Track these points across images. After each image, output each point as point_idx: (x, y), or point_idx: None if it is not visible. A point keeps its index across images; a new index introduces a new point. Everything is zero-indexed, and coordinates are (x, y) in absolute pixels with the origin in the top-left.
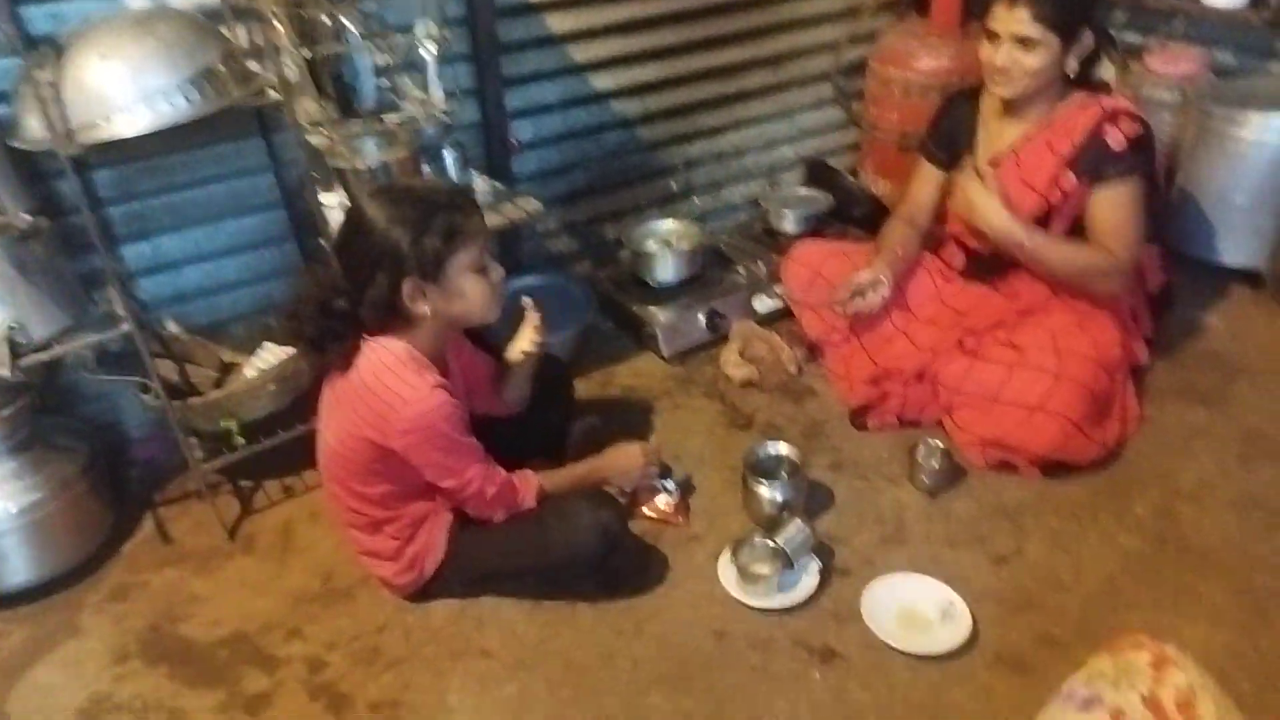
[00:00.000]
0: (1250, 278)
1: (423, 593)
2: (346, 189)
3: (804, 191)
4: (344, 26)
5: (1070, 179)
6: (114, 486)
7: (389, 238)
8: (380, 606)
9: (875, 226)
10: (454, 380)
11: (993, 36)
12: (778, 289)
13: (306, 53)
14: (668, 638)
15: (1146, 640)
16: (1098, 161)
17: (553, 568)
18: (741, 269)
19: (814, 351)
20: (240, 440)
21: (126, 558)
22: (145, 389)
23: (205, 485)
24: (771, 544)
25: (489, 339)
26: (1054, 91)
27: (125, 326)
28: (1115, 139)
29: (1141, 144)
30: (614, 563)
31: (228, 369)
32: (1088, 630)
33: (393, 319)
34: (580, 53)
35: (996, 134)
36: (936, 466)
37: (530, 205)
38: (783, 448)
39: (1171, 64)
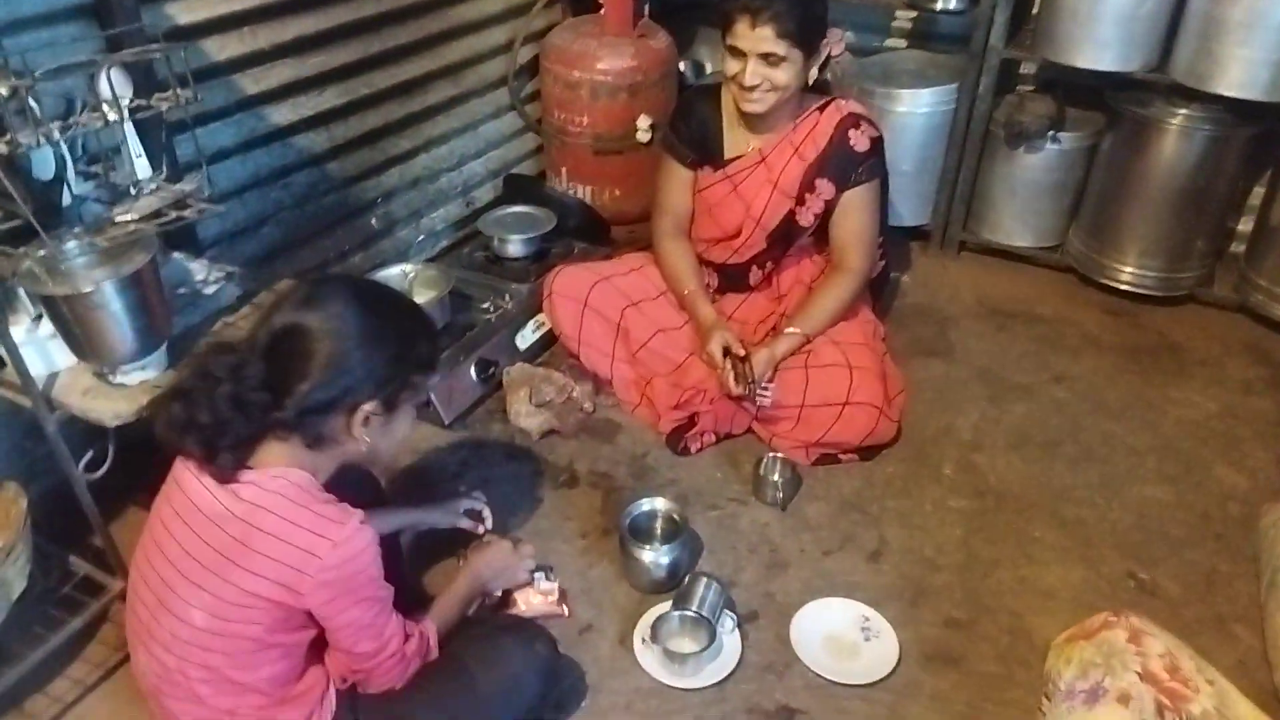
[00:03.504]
0: (919, 234)
1: None
2: (62, 320)
3: (520, 210)
4: (29, 105)
5: (829, 187)
6: None
7: (365, 354)
8: None
9: (593, 236)
10: None
11: (737, 54)
12: (534, 321)
13: None
14: None
15: (1112, 617)
16: (844, 165)
17: None
18: (487, 305)
19: (599, 384)
20: None
21: None
22: None
23: None
24: (690, 614)
25: None
26: (796, 98)
27: None
28: (859, 143)
29: (879, 147)
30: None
31: None
32: (978, 602)
33: (305, 437)
34: (252, 82)
35: (743, 136)
36: (781, 478)
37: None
38: (657, 503)
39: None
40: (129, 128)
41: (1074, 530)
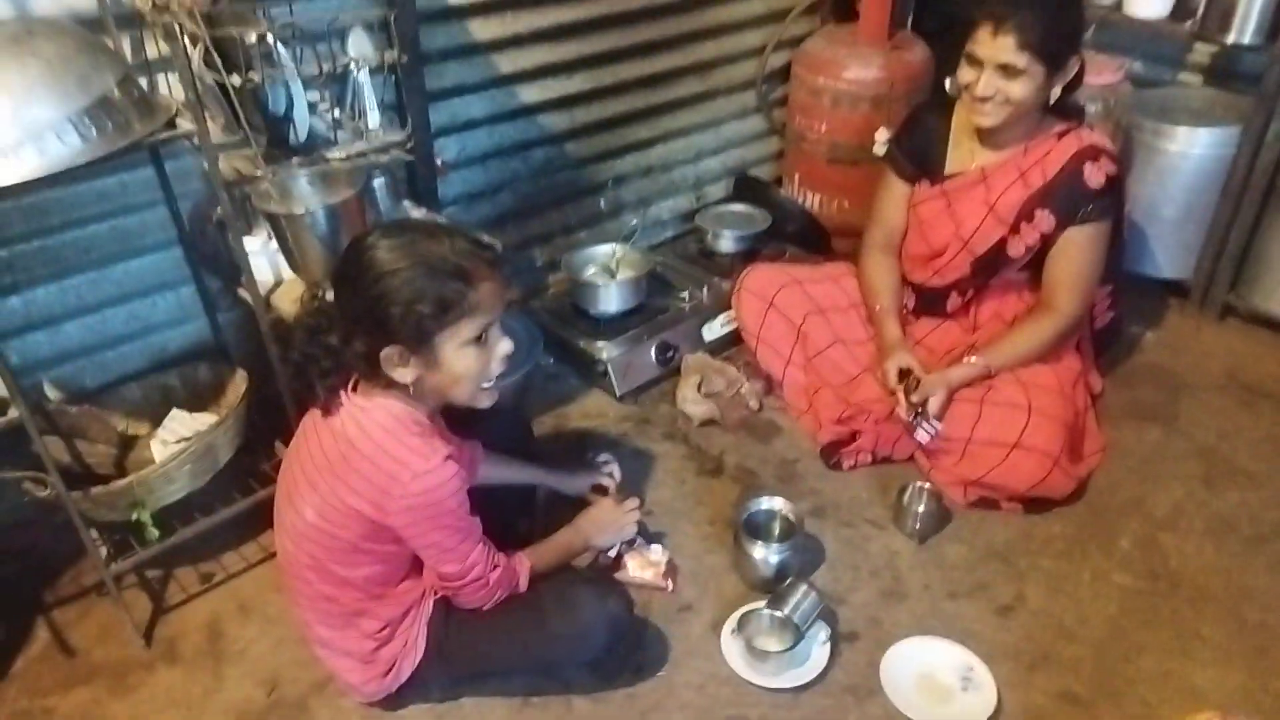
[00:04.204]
0: (1177, 289)
1: (394, 698)
2: (280, 235)
3: (739, 209)
4: (274, 48)
5: (1049, 220)
6: None
7: (380, 295)
8: (343, 718)
9: (808, 243)
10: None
11: (974, 62)
12: (724, 315)
13: (234, 79)
14: None
15: (1217, 717)
16: (1073, 200)
17: (550, 664)
18: (685, 294)
19: (771, 384)
20: (155, 533)
21: (23, 678)
22: (37, 480)
23: (113, 586)
24: (779, 614)
25: None
26: (1033, 118)
27: (14, 413)
28: (1094, 178)
29: (1116, 186)
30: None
31: (128, 442)
32: (1107, 684)
33: (377, 373)
34: (507, 62)
35: (968, 152)
36: (924, 510)
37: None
38: (777, 503)
39: (1095, 73)
40: (366, 81)
41: (1251, 635)
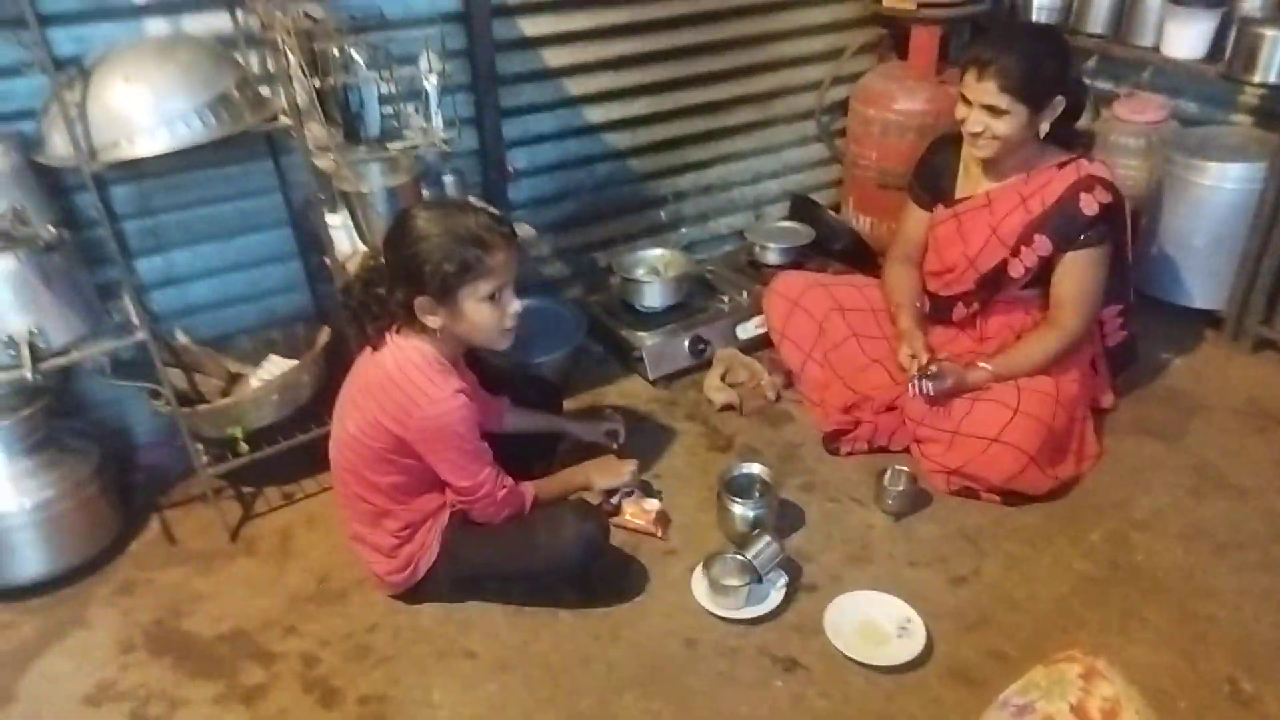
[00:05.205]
0: (1212, 319)
1: (412, 593)
2: (352, 210)
3: (786, 225)
4: (351, 58)
5: (1046, 244)
6: (122, 489)
7: (415, 254)
8: (372, 607)
9: (854, 260)
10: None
11: (965, 101)
12: (759, 318)
13: (316, 82)
14: (642, 644)
15: (1079, 654)
16: (1070, 227)
17: (536, 573)
18: (726, 298)
19: (791, 379)
20: (244, 447)
21: (133, 556)
22: (156, 395)
23: (210, 489)
24: (742, 558)
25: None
26: (1031, 149)
27: (140, 335)
28: (1089, 206)
29: (1113, 212)
30: (594, 571)
31: (234, 379)
32: (1036, 647)
33: (413, 320)
34: (575, 86)
35: (976, 179)
36: (902, 490)
37: (523, 230)
38: (756, 468)
39: (1139, 112)
40: (433, 92)
41: (1194, 625)
